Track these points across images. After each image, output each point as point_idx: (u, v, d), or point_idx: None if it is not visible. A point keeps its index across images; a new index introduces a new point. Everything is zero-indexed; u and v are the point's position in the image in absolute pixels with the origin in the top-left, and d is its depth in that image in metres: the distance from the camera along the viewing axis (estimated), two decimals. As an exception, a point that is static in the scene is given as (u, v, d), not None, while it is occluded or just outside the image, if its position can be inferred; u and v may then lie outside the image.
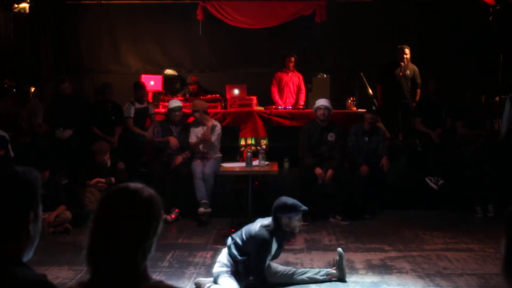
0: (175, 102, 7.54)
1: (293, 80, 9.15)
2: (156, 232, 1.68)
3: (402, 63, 8.43)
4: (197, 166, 7.16)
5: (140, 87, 8.11)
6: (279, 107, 8.59)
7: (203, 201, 6.89)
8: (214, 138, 7.28)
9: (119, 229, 1.62)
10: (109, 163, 7.11)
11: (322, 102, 7.13)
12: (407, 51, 8.43)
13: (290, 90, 9.15)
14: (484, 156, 7.24)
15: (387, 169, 7.23)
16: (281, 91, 9.11)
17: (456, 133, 7.64)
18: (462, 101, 7.94)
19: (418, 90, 8.58)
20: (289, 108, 8.54)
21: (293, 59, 9.07)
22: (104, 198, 1.70)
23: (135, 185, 1.71)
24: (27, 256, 1.64)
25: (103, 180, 6.95)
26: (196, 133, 7.38)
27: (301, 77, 9.17)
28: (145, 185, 1.73)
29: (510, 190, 6.98)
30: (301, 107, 8.54)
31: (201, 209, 6.80)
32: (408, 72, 8.46)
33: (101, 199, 1.70)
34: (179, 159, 7.26)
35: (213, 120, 7.54)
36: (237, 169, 6.47)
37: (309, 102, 8.68)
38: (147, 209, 1.67)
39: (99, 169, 7.06)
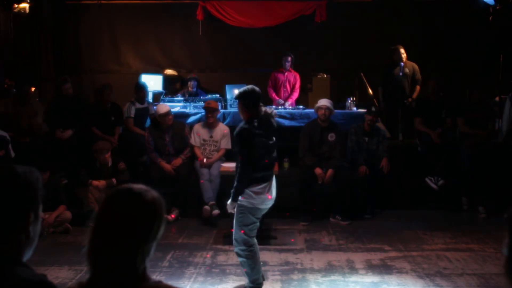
0: (165, 107, 7.37)
1: (289, 79, 9.14)
2: (156, 236, 1.68)
3: (402, 63, 8.41)
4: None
5: (141, 89, 8.11)
6: (280, 107, 8.58)
7: (211, 202, 6.90)
8: (225, 143, 7.31)
9: (119, 230, 1.62)
10: (110, 163, 7.11)
11: (323, 102, 7.13)
12: (402, 50, 8.42)
13: (287, 90, 9.16)
14: (481, 156, 7.25)
15: (387, 171, 7.23)
16: (277, 91, 9.11)
17: (457, 130, 7.65)
18: (465, 100, 7.95)
19: (418, 87, 8.56)
20: (289, 108, 8.54)
21: (290, 58, 9.05)
22: (107, 198, 1.70)
23: (139, 187, 1.70)
24: (26, 257, 1.64)
25: (104, 182, 6.93)
26: (201, 136, 7.34)
27: (297, 76, 9.14)
28: (149, 187, 1.73)
29: (507, 190, 6.99)
30: (301, 107, 8.54)
31: (215, 212, 6.78)
32: (407, 70, 8.45)
33: (104, 199, 1.70)
34: (178, 160, 7.26)
35: (221, 124, 7.56)
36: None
37: (309, 102, 8.67)
38: (149, 212, 1.67)
39: (100, 169, 7.06)
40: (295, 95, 9.13)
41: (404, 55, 8.42)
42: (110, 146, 7.26)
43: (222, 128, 7.42)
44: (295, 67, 9.38)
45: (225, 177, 6.86)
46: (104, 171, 7.06)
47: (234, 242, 4.51)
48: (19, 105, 7.67)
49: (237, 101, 4.71)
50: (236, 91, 8.31)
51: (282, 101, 8.93)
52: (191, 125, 7.66)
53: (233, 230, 4.55)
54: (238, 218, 4.48)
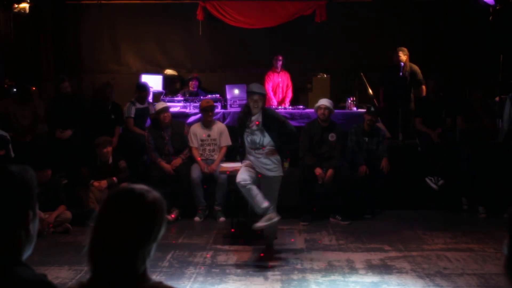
0: (163, 104, 7.44)
1: (283, 79, 9.17)
2: (157, 237, 1.67)
3: (402, 63, 8.41)
4: (195, 171, 7.11)
5: (144, 88, 8.11)
6: (279, 107, 8.60)
7: (201, 207, 7.03)
8: (224, 140, 7.32)
9: (120, 231, 1.62)
10: (110, 160, 7.11)
11: (323, 102, 7.13)
12: (401, 53, 8.39)
13: (282, 90, 9.18)
14: (481, 156, 7.25)
15: (386, 171, 7.23)
16: (273, 92, 9.13)
17: (457, 130, 7.65)
18: (465, 99, 7.95)
19: (423, 87, 8.54)
20: (289, 108, 8.54)
21: (281, 57, 9.07)
22: (108, 198, 1.70)
23: (140, 187, 1.70)
24: (26, 255, 1.64)
25: (105, 182, 6.93)
26: (199, 136, 7.33)
27: (288, 76, 9.19)
28: (151, 188, 1.72)
29: (507, 190, 6.99)
30: (301, 107, 8.55)
31: (221, 218, 6.97)
32: (407, 72, 8.44)
33: (105, 199, 1.70)
34: (178, 160, 7.25)
35: (217, 122, 7.56)
36: (237, 169, 6.45)
37: (309, 102, 8.68)
38: (150, 213, 1.66)
39: (101, 167, 7.06)
40: (290, 95, 9.15)
41: (403, 57, 8.38)
42: (111, 140, 7.25)
43: (219, 126, 7.42)
44: (296, 67, 9.38)
45: (231, 177, 6.86)
46: (104, 168, 7.05)
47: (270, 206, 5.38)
48: (20, 103, 7.66)
49: (261, 97, 5.48)
50: (237, 91, 8.45)
51: (275, 103, 8.95)
52: (191, 125, 7.65)
53: (270, 197, 5.43)
54: (277, 188, 5.60)
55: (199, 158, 7.23)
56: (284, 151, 5.58)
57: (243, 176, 5.44)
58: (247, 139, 5.55)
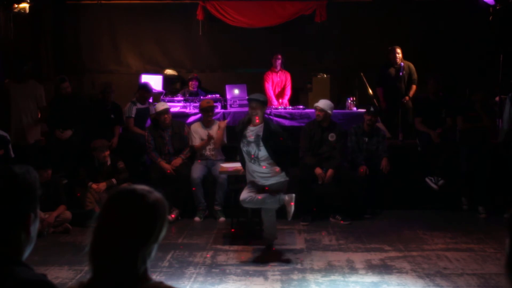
0: (162, 105, 7.41)
1: (281, 78, 9.17)
2: (158, 238, 1.67)
3: (402, 63, 8.41)
4: (196, 171, 7.12)
5: (147, 89, 8.08)
6: (280, 108, 8.60)
7: (200, 207, 7.06)
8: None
9: (121, 231, 1.62)
10: (109, 162, 7.10)
11: (319, 103, 7.09)
12: (398, 50, 8.42)
13: (280, 90, 9.18)
14: (481, 156, 7.25)
15: (387, 172, 7.23)
16: (273, 91, 9.13)
17: (457, 130, 7.64)
18: (465, 99, 7.96)
19: (414, 86, 8.56)
20: (289, 108, 8.54)
21: (280, 56, 9.07)
22: (109, 199, 1.70)
23: (142, 188, 1.70)
24: (25, 255, 1.64)
25: (104, 184, 6.93)
26: (200, 135, 7.33)
27: (288, 76, 9.18)
28: (152, 188, 1.72)
29: (507, 190, 6.99)
30: (301, 107, 8.55)
31: (221, 219, 7.01)
32: (404, 71, 8.44)
33: (106, 199, 1.70)
34: (178, 160, 7.25)
35: (217, 121, 7.57)
36: (237, 169, 6.45)
37: (309, 102, 8.68)
38: (151, 214, 1.66)
39: (99, 168, 7.06)
40: (288, 94, 9.13)
41: (399, 56, 8.41)
42: (108, 144, 7.25)
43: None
44: (296, 67, 9.37)
45: (231, 177, 6.86)
46: (103, 170, 7.05)
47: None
48: (17, 83, 7.58)
49: (258, 105, 5.55)
50: (237, 91, 8.45)
51: (276, 103, 8.95)
52: (191, 125, 7.65)
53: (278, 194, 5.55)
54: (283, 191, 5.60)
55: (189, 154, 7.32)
56: (282, 164, 5.59)
57: (245, 193, 5.53)
58: (243, 148, 5.59)
